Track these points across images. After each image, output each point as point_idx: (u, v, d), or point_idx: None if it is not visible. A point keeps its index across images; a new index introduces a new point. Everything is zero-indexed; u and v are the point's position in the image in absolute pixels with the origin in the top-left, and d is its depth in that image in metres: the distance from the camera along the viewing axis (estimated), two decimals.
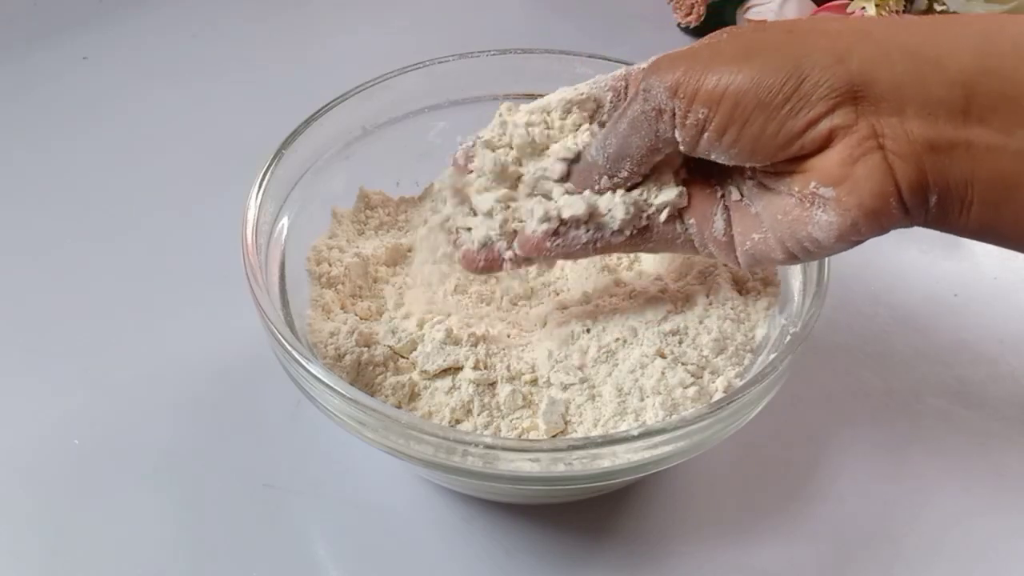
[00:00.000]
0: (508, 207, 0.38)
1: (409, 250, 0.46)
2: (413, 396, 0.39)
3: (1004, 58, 0.29)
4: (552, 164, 0.37)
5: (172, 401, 0.46)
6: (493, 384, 0.39)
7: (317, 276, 0.43)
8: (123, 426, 0.45)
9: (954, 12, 0.61)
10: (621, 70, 0.38)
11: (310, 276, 0.43)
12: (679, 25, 0.70)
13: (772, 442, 0.44)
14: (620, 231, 0.37)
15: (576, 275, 0.45)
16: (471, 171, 0.39)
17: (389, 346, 0.40)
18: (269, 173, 0.41)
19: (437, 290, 0.43)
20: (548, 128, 0.38)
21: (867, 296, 0.52)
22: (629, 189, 0.36)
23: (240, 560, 0.40)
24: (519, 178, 0.38)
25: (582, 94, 0.38)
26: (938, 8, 0.62)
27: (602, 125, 0.38)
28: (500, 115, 0.39)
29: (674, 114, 0.32)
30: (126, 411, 0.46)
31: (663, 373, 0.38)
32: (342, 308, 0.42)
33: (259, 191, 0.40)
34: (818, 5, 0.63)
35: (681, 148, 0.33)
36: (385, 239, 0.46)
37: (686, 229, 0.37)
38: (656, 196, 0.36)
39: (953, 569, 0.41)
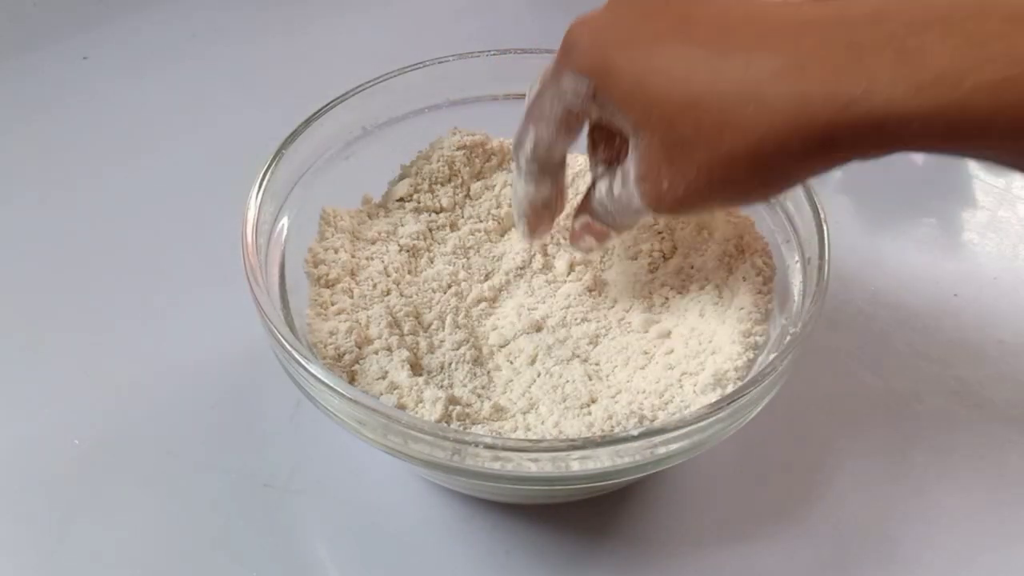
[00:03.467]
0: None
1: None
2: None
3: None
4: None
5: (172, 401, 0.46)
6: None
7: (316, 278, 0.43)
8: (123, 426, 0.45)
9: None
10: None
11: (308, 277, 0.43)
12: None
13: (772, 442, 0.44)
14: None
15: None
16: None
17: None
18: (269, 173, 0.41)
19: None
20: None
21: (867, 296, 0.52)
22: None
23: (240, 560, 0.40)
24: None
25: None
26: None
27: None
28: None
29: None
30: (126, 411, 0.46)
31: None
32: (340, 305, 0.42)
33: (259, 191, 0.40)
34: None
35: None
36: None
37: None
38: None
39: (953, 569, 0.41)
